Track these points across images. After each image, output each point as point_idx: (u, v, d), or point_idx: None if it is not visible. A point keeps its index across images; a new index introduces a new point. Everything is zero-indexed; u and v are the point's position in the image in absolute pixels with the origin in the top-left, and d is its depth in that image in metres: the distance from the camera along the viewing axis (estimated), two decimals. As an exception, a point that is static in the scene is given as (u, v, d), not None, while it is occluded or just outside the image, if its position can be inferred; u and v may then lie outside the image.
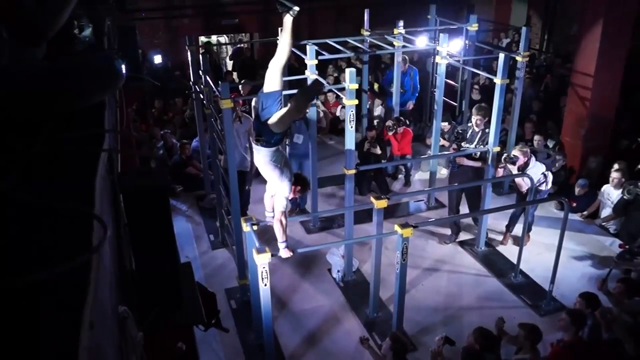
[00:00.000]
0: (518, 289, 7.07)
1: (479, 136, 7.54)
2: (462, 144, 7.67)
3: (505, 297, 6.96)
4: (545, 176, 7.24)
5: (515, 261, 7.27)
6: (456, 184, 7.75)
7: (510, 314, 6.20)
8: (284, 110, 4.69)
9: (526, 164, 7.23)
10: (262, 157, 4.95)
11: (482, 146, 7.51)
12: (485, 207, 7.65)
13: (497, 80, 7.14)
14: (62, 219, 1.49)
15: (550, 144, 9.75)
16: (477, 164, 7.58)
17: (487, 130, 7.59)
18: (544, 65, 14.27)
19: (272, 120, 4.71)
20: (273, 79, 4.85)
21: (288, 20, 4.71)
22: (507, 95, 10.07)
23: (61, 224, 1.47)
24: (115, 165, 3.47)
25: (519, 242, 7.24)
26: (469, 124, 7.70)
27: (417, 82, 10.98)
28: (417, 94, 11.09)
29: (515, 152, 7.13)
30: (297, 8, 4.63)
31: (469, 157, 7.58)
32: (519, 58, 7.80)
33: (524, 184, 7.26)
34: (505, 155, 7.26)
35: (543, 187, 7.32)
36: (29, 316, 1.12)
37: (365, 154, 9.30)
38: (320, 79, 4.86)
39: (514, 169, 7.13)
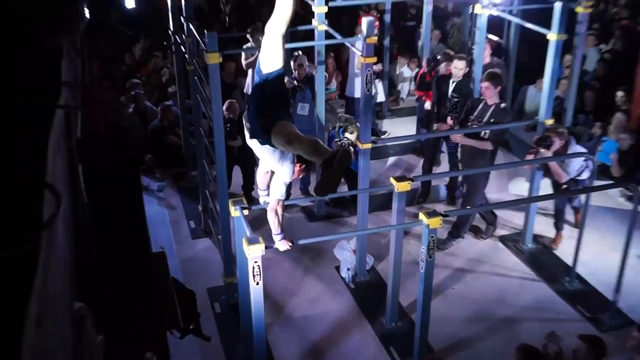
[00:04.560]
0: (574, 298, 7.05)
1: (490, 111, 7.45)
2: (469, 121, 7.59)
3: (558, 308, 6.95)
4: (587, 163, 7.18)
5: (570, 262, 7.25)
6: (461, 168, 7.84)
7: (563, 328, 6.18)
8: (298, 148, 4.51)
9: (564, 148, 7.16)
10: (257, 142, 4.88)
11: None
12: (534, 194, 7.62)
13: (552, 36, 7.06)
14: (4, 187, 1.47)
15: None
16: (479, 144, 7.46)
17: (502, 104, 7.51)
18: (612, 19, 14.12)
19: (275, 138, 4.57)
20: (273, 51, 4.49)
21: None
22: (564, 55, 10.05)
23: (3, 194, 1.45)
24: (74, 129, 3.45)
25: (575, 239, 7.19)
26: (481, 97, 7.62)
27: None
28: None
29: (549, 133, 7.05)
30: None
31: (475, 136, 7.53)
32: (579, 9, 7.70)
33: (563, 173, 7.20)
34: (536, 137, 7.17)
35: (583, 176, 7.26)
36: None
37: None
38: (351, 148, 4.58)
39: (548, 154, 7.07)
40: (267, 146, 4.80)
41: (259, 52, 4.63)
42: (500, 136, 7.69)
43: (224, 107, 7.93)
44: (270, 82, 4.58)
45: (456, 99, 7.82)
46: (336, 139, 8.04)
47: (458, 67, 8.34)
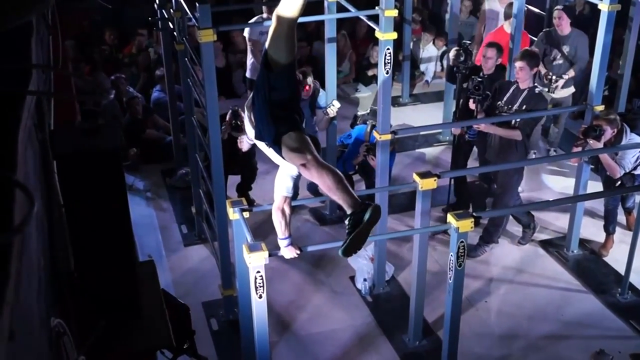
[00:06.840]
0: (626, 312, 7.02)
1: (523, 96, 7.41)
2: (497, 107, 7.54)
3: (607, 323, 6.93)
4: None
5: (622, 271, 7.23)
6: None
7: (613, 347, 6.18)
8: (316, 178, 4.42)
9: (617, 138, 7.12)
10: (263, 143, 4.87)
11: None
12: (580, 192, 7.60)
13: (604, 6, 7.02)
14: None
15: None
16: (506, 133, 7.42)
17: (536, 89, 7.48)
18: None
19: (289, 156, 4.52)
20: (281, 44, 4.53)
21: None
22: (617, 29, 10.00)
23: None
24: (47, 119, 3.47)
25: (629, 243, 7.17)
26: (515, 80, 7.57)
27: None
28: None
29: (599, 121, 7.01)
30: None
31: (504, 124, 7.49)
32: (636, -26, 7.68)
33: (617, 166, 7.17)
34: (584, 127, 7.12)
35: None
36: None
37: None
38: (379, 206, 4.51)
39: (598, 146, 7.04)
40: None
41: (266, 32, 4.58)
42: (532, 125, 7.67)
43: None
44: (277, 76, 4.52)
45: (479, 79, 7.67)
46: (365, 144, 8.02)
47: (487, 56, 8.09)
